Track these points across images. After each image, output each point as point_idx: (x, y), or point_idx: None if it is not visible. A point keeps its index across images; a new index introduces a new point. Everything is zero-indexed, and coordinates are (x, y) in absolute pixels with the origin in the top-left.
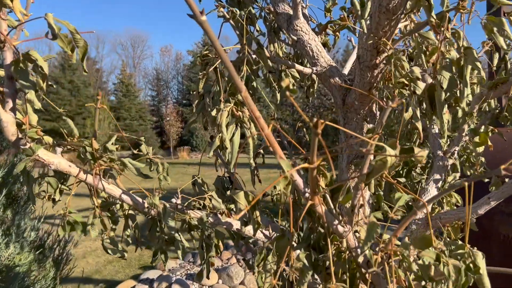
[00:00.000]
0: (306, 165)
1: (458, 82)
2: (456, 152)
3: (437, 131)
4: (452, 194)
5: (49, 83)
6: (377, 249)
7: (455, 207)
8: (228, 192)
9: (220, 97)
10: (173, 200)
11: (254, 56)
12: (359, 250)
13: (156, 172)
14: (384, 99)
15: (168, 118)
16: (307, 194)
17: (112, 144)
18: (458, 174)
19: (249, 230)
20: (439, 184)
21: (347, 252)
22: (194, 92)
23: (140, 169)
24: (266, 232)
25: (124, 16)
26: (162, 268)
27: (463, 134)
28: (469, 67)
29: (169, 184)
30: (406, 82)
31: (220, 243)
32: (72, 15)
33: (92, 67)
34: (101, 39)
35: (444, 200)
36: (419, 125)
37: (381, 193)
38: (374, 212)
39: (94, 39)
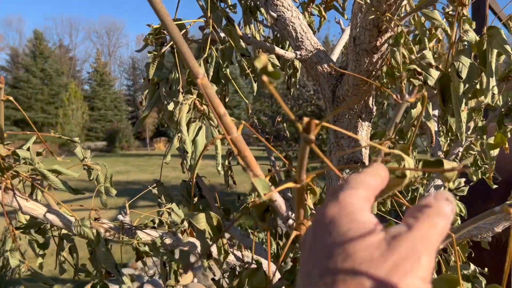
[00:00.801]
0: (291, 184)
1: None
2: (459, 153)
3: (436, 128)
4: (456, 203)
5: None
6: None
7: (458, 218)
8: (196, 200)
9: (179, 87)
10: (120, 217)
11: (223, 36)
12: None
13: (96, 182)
14: (397, 92)
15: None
16: (291, 221)
17: (28, 149)
18: (463, 180)
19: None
20: None
21: None
22: (144, 80)
23: (68, 183)
24: (239, 253)
25: (98, 2)
26: (134, 266)
27: (468, 133)
28: (495, 51)
29: (115, 198)
30: (419, 70)
31: (180, 269)
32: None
33: (65, 55)
34: (74, 26)
35: None
36: (431, 124)
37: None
38: None
39: (67, 26)
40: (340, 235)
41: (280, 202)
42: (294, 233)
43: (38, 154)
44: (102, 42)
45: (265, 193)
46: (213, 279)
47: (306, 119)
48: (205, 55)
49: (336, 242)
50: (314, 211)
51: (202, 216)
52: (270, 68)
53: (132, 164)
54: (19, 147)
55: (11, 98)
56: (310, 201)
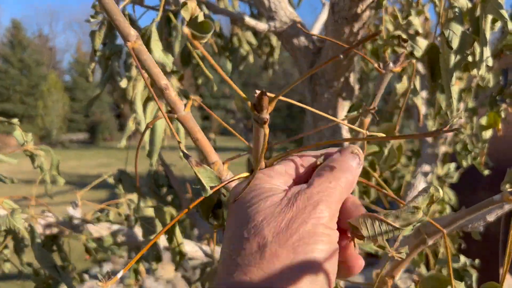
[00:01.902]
0: (246, 174)
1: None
2: (448, 137)
3: (423, 111)
4: (444, 190)
5: None
6: None
7: (448, 207)
8: (165, 190)
9: (132, 60)
10: (70, 211)
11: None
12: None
13: (40, 170)
14: (379, 61)
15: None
16: None
17: None
18: (453, 165)
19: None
20: (429, 178)
21: None
22: (90, 53)
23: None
24: (208, 248)
25: None
26: (114, 261)
27: (459, 112)
28: (489, 17)
29: (62, 185)
30: (405, 37)
31: (142, 267)
32: None
33: (45, 45)
34: (54, 15)
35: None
36: (418, 101)
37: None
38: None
39: (47, 15)
40: (246, 203)
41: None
42: None
43: None
44: (84, 31)
45: (211, 186)
46: (183, 276)
47: (257, 92)
48: (158, 18)
49: (243, 210)
50: None
51: (150, 212)
52: (200, 16)
53: (115, 157)
54: None
55: None
56: None
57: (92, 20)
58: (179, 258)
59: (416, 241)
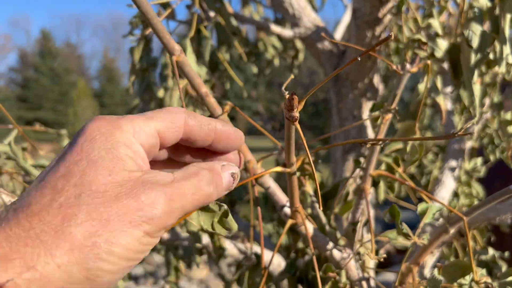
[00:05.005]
0: (279, 168)
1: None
2: (475, 132)
3: (449, 107)
4: (472, 185)
5: None
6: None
7: (476, 201)
8: None
9: (168, 71)
10: None
11: (213, 15)
12: (364, 284)
13: None
14: (397, 64)
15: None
16: (286, 209)
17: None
18: (480, 159)
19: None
20: (456, 173)
21: (347, 286)
22: (130, 67)
23: None
24: (242, 246)
25: None
26: (149, 261)
27: (484, 109)
28: (508, 15)
29: None
30: (424, 40)
31: (182, 265)
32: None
33: (73, 53)
34: (81, 23)
35: (460, 190)
36: (440, 100)
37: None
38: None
39: (74, 23)
40: (88, 152)
41: (275, 189)
42: (290, 222)
43: (23, 149)
44: (109, 38)
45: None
46: (219, 274)
47: (287, 94)
48: (191, 34)
49: (78, 163)
50: (314, 198)
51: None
52: None
53: None
54: None
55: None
56: (309, 186)
57: (131, 37)
58: (219, 255)
59: (438, 230)
